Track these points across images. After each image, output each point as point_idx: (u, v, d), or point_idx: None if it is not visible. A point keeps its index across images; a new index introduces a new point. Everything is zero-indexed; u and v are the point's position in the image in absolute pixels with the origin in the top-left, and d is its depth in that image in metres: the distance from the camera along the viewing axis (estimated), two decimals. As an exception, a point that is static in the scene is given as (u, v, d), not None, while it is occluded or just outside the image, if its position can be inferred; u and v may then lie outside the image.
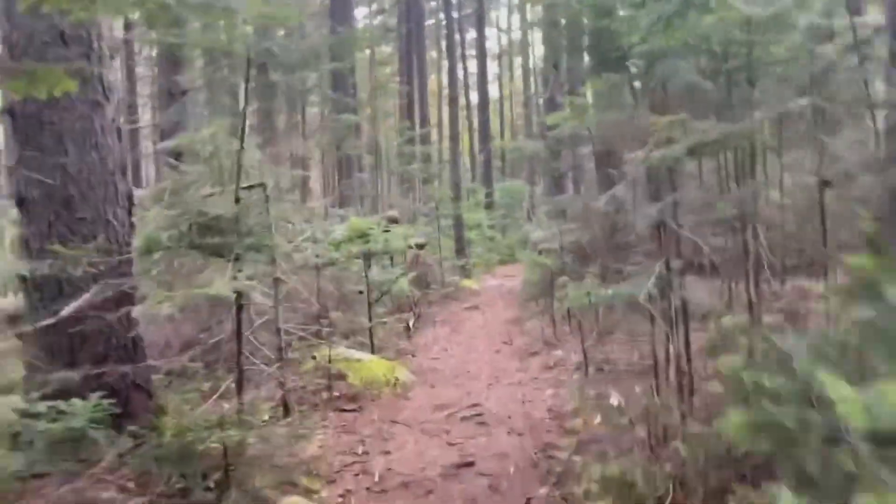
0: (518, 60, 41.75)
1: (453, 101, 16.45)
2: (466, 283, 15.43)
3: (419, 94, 19.56)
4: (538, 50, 40.70)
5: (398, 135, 16.75)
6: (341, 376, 6.61)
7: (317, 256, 8.14)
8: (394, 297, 11.41)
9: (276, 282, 5.11)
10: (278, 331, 5.44)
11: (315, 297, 7.73)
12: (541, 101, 38.75)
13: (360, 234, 8.69)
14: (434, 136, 36.55)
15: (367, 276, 8.63)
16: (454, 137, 16.52)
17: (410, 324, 10.68)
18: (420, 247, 13.34)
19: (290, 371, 6.22)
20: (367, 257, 8.65)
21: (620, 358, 6.81)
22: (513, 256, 23.86)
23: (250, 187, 5.01)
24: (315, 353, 6.72)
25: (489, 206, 25.39)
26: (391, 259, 12.08)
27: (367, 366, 6.88)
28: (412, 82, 18.67)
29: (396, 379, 6.88)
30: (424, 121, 19.25)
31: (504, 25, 40.62)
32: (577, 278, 8.12)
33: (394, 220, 11.76)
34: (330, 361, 6.60)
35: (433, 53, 41.10)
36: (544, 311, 11.49)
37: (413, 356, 8.71)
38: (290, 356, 6.53)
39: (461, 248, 16.80)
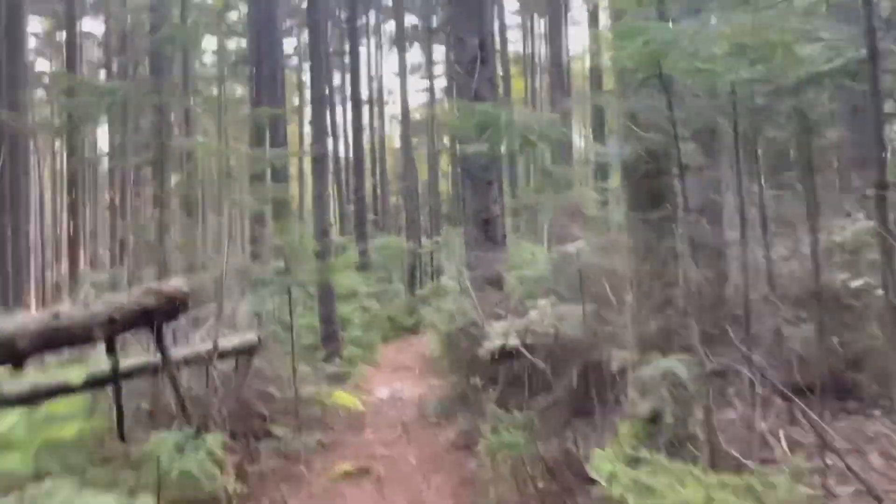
0: (389, 109, 35.82)
1: (316, 101, 9.63)
2: (340, 398, 8.28)
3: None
4: (414, 98, 34.97)
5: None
6: None
7: None
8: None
9: None
10: None
11: None
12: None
13: None
14: (295, 190, 29.30)
15: None
16: (320, 157, 9.62)
17: None
18: (250, 351, 6.13)
19: None
20: None
21: None
22: (398, 332, 16.93)
23: None
24: None
25: (364, 266, 18.40)
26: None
27: None
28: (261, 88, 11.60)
29: None
30: (279, 138, 12.16)
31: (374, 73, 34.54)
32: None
33: (171, 303, 4.53)
34: None
35: (294, 100, 34.23)
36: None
37: None
38: None
39: (331, 334, 9.71)
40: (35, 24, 25.47)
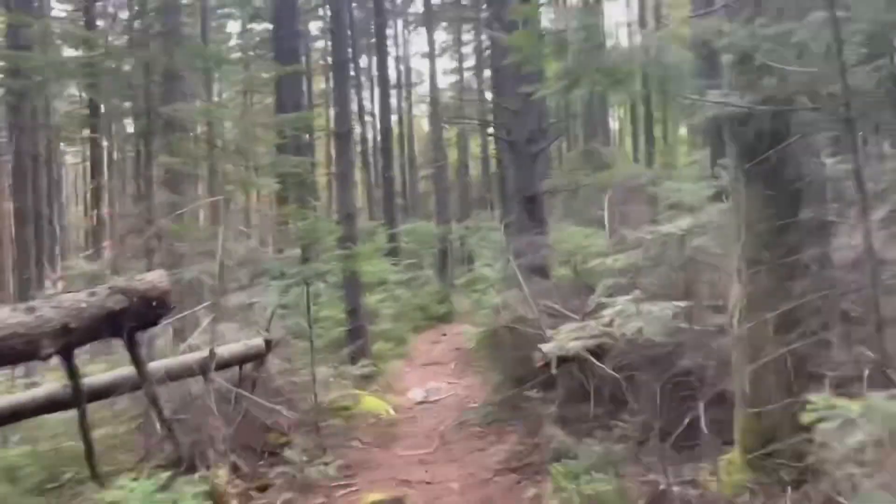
0: (418, 91, 34.55)
1: (339, 68, 8.45)
2: (369, 403, 7.19)
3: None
4: (443, 80, 33.53)
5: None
6: None
7: None
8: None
9: None
10: None
11: None
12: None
13: None
14: (322, 180, 28.19)
15: None
16: (343, 133, 8.48)
17: None
18: (257, 357, 5.03)
19: None
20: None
21: None
22: (429, 322, 15.80)
23: None
24: None
25: (393, 252, 17.29)
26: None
27: None
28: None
29: None
30: (299, 104, 10.94)
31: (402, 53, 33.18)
32: None
33: (145, 304, 3.39)
34: None
35: (321, 84, 33.13)
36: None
37: None
38: None
39: (358, 329, 8.63)
40: (57, 11, 24.67)
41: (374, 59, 26.77)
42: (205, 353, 4.21)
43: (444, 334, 14.26)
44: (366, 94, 31.28)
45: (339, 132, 8.56)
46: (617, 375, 4.67)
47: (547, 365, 5.02)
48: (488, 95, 21.27)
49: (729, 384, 3.97)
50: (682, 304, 3.72)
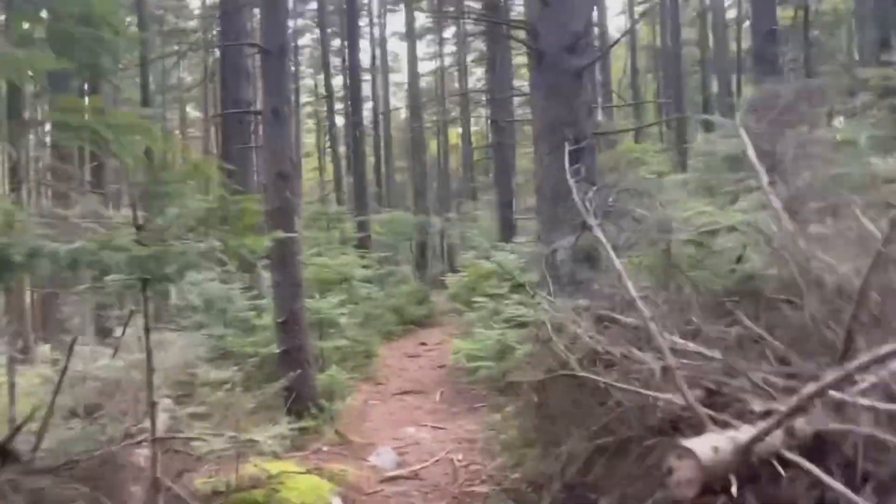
0: (394, 77, 31.23)
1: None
2: (299, 488, 3.93)
3: None
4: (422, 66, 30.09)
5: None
6: None
7: None
8: None
9: None
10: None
11: None
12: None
13: None
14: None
15: None
16: (274, 51, 5.23)
17: None
18: None
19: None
20: None
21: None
22: (406, 326, 12.52)
23: None
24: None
25: (363, 243, 14.00)
26: None
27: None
28: None
29: None
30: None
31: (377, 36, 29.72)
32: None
33: None
34: None
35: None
36: None
37: None
38: None
39: (295, 349, 5.36)
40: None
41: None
42: None
43: (424, 343, 11.07)
44: (339, 77, 27.89)
45: (268, 48, 5.29)
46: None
47: (715, 493, 1.84)
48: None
49: None
50: None
